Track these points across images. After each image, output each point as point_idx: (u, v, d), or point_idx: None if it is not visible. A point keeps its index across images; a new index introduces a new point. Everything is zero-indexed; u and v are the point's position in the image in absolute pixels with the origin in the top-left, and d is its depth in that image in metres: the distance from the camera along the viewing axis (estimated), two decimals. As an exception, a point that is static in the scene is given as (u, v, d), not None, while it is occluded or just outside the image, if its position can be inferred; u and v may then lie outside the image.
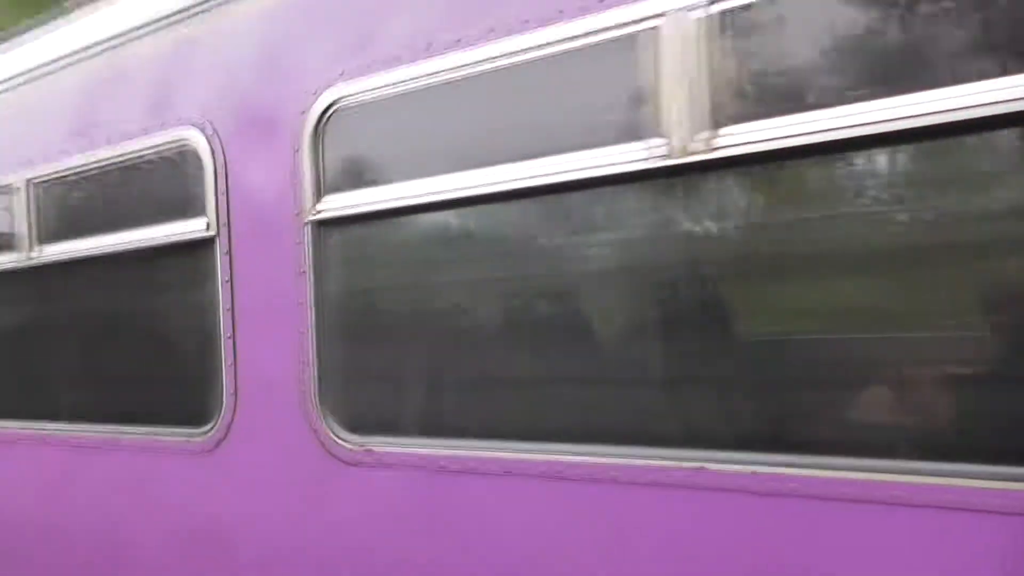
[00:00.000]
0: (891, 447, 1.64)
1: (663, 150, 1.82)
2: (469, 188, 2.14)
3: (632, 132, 1.88)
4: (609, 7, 1.90)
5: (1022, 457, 1.49)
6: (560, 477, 1.99)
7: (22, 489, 3.42)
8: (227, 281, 2.64)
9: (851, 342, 1.76)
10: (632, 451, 1.89)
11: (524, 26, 2.02)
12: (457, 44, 2.13)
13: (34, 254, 3.24)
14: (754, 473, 1.73)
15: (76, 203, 3.20)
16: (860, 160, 1.67)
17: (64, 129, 3.15)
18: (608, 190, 1.97)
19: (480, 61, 2.09)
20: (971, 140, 1.58)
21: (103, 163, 3.01)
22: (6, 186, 3.38)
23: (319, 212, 2.42)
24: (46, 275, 3.27)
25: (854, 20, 1.68)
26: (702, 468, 1.80)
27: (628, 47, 1.89)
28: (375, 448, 2.32)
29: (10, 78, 3.37)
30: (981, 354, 1.64)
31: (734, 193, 1.84)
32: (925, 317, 1.67)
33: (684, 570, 1.83)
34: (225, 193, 2.64)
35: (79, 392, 3.30)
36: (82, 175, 3.10)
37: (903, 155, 1.64)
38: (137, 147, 2.88)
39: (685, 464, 1.82)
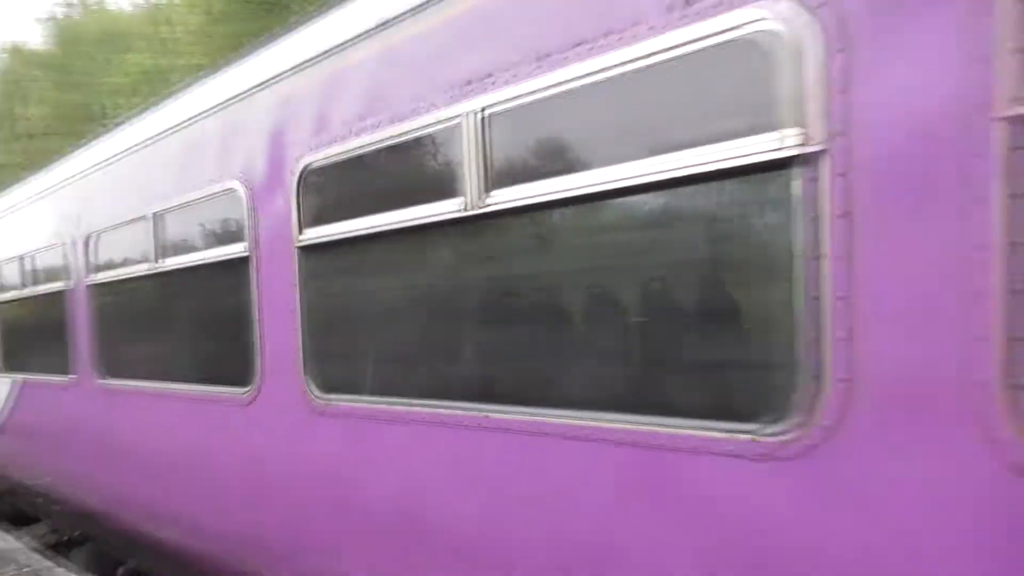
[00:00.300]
0: (577, 403, 2.58)
1: (464, 204, 2.85)
2: (377, 226, 3.26)
3: (452, 191, 2.91)
4: (440, 107, 2.94)
5: (635, 410, 2.40)
6: (430, 422, 3.08)
7: (144, 426, 5.02)
8: (257, 288, 3.95)
9: (560, 339, 2.72)
10: (458, 405, 2.94)
11: (399, 117, 3.11)
12: (364, 130, 3.26)
13: (154, 265, 4.77)
14: (517, 419, 2.73)
15: (177, 230, 4.67)
16: (567, 214, 2.62)
17: (171, 178, 4.64)
18: (442, 229, 3.02)
19: (378, 140, 3.21)
20: (618, 203, 2.48)
21: (192, 202, 4.45)
22: (146, 216, 4.93)
23: (301, 241, 3.64)
24: (163, 280, 4.79)
25: (561, 124, 2.62)
26: (487, 416, 2.82)
27: (451, 134, 2.92)
28: (333, 403, 3.53)
29: (139, 143, 4.93)
30: (603, 350, 2.55)
31: (501, 233, 2.83)
32: (592, 323, 2.60)
33: (490, 481, 2.85)
34: (255, 226, 3.95)
35: (178, 362, 4.80)
36: (181, 210, 4.56)
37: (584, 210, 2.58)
38: (208, 192, 4.29)
39: (478, 413, 2.85)
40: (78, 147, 6.38)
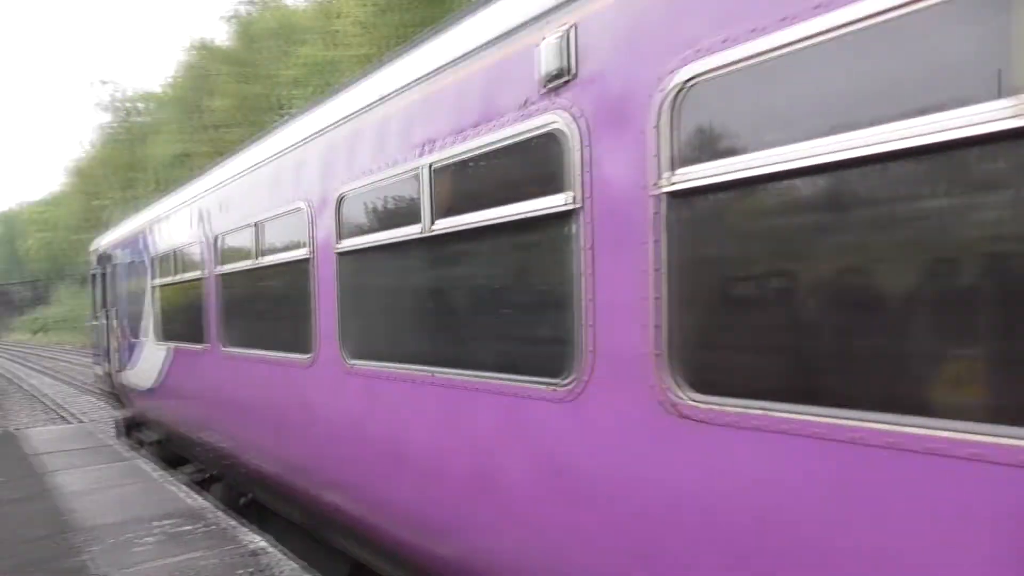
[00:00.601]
0: (473, 366, 3.94)
1: (422, 228, 4.28)
2: (376, 241, 4.75)
3: (416, 219, 4.34)
4: (410, 160, 4.38)
5: (501, 370, 3.75)
6: (406, 380, 4.54)
7: (250, 384, 6.82)
8: (315, 279, 5.56)
9: (468, 324, 4.09)
10: (436, 369, 4.38)
11: (390, 164, 4.57)
12: (371, 171, 4.75)
13: (256, 261, 6.54)
14: (449, 377, 4.14)
15: (270, 235, 6.40)
16: (470, 239, 3.99)
17: (267, 195, 6.36)
18: (411, 245, 4.46)
19: (379, 180, 4.70)
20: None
21: (278, 215, 6.14)
22: (251, 224, 6.70)
23: (338, 248, 5.20)
24: (261, 273, 6.56)
25: (467, 179, 3.98)
26: (434, 375, 4.25)
27: (416, 179, 4.35)
28: (356, 366, 5.07)
29: (248, 167, 6.73)
30: (483, 332, 3.90)
31: (447, 250, 4.23)
32: (479, 314, 3.97)
33: (435, 416, 4.28)
34: (313, 235, 5.55)
35: (270, 334, 6.54)
36: (272, 220, 6.28)
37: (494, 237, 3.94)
38: (284, 210, 5.97)
39: (426, 373, 4.28)
40: (211, 166, 8.34)
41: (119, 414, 13.77)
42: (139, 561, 6.23)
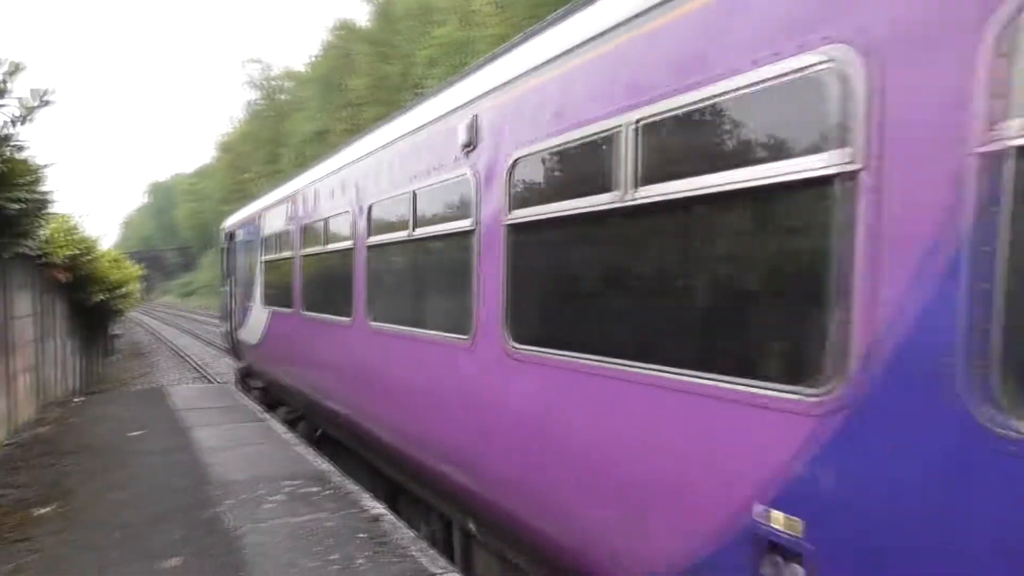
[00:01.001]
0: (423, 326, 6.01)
1: (408, 233, 6.39)
2: (386, 240, 6.90)
3: (405, 226, 6.45)
4: (402, 188, 6.49)
5: (419, 326, 5.84)
6: (400, 335, 6.68)
7: (318, 340, 9.17)
8: (355, 263, 7.77)
9: (416, 302, 6.18)
10: (415, 329, 6.51)
11: (394, 188, 6.70)
12: (383, 192, 6.90)
13: (324, 247, 8.86)
14: (409, 332, 6.25)
15: (332, 229, 8.67)
16: (423, 244, 6.07)
17: (330, 201, 8.65)
18: (401, 243, 6.57)
19: (388, 197, 6.83)
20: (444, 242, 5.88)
21: (335, 215, 8.42)
22: (322, 218, 9.02)
23: (369, 242, 7.38)
24: (329, 255, 8.87)
25: (428, 207, 6.05)
26: (407, 332, 6.37)
27: (408, 200, 6.45)
28: (373, 326, 7.25)
29: (315, 179, 9.05)
30: (422, 306, 5.96)
31: (420, 249, 6.33)
32: (420, 294, 6.04)
33: (407, 358, 6.40)
34: (355, 231, 7.77)
35: (329, 303, 8.83)
36: (332, 218, 8.57)
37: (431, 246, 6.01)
38: (340, 211, 8.24)
39: (404, 330, 6.40)
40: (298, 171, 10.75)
41: (236, 365, 16.74)
42: (268, 518, 6.65)
